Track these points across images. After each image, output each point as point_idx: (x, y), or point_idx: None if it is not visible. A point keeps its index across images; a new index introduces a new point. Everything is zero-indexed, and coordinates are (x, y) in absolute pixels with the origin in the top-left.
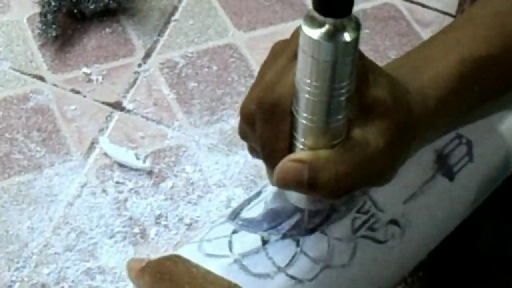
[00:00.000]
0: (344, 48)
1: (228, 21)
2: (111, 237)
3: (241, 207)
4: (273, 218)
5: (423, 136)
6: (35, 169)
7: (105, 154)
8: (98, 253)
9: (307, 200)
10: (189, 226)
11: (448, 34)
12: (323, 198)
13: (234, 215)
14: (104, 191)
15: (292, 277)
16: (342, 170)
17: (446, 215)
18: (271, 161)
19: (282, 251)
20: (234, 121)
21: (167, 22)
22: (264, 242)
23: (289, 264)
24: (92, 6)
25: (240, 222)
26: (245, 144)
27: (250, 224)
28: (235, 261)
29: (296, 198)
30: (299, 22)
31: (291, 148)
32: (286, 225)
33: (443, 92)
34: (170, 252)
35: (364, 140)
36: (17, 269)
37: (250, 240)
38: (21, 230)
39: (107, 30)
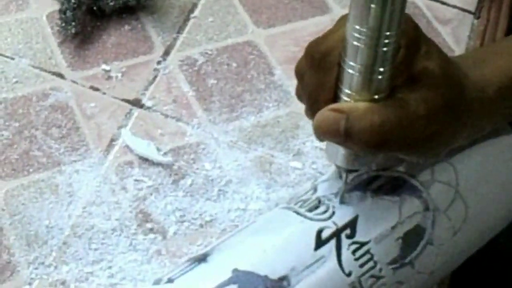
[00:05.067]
0: None
1: (248, 19)
2: (130, 235)
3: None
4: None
5: (478, 123)
6: (55, 166)
7: (127, 147)
8: (117, 251)
9: (345, 159)
10: (208, 223)
11: None
12: (359, 152)
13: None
14: (123, 188)
15: None
16: (377, 122)
17: None
18: (314, 111)
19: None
20: (253, 118)
21: (187, 19)
22: None
23: None
24: (111, 3)
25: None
26: (264, 141)
27: None
28: None
29: (335, 156)
30: (318, 19)
31: (335, 102)
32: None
33: (504, 83)
34: (190, 250)
35: (405, 101)
36: (36, 267)
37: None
38: (40, 227)
39: (127, 27)
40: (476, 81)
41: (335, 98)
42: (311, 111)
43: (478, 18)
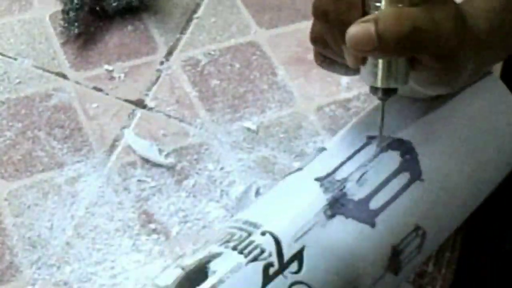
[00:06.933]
0: None
1: (250, 19)
2: (133, 236)
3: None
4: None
5: (477, 59)
6: (57, 166)
7: (129, 147)
8: (120, 251)
9: (381, 77)
10: (211, 223)
11: None
12: (393, 55)
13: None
14: (126, 189)
15: None
16: (402, 11)
17: None
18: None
19: None
20: (256, 119)
21: (189, 19)
22: None
23: None
24: (114, 4)
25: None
26: (267, 142)
27: None
28: None
29: (371, 77)
30: None
31: None
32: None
33: (493, 20)
34: (193, 250)
35: (432, 12)
36: (39, 267)
37: None
38: (43, 228)
39: (129, 27)
40: (469, 12)
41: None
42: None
43: None
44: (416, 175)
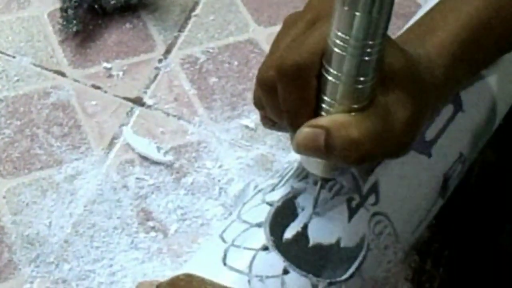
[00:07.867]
0: (380, 2)
1: (249, 17)
2: (131, 234)
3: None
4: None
5: (435, 107)
6: (56, 164)
7: (128, 145)
8: (118, 249)
9: (324, 169)
10: (210, 221)
11: (446, 2)
12: (340, 164)
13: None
14: (124, 186)
15: None
16: (356, 137)
17: None
18: (296, 126)
19: (299, 284)
20: (255, 117)
21: (188, 17)
22: (285, 271)
23: None
24: (113, 2)
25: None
26: (265, 139)
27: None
28: (249, 282)
29: (312, 165)
30: None
31: (317, 113)
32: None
33: (448, 60)
34: (192, 248)
35: (384, 108)
36: (37, 265)
37: (272, 265)
38: (41, 225)
39: (128, 25)
40: (425, 65)
41: (318, 111)
42: (293, 127)
43: None
44: (458, 107)
